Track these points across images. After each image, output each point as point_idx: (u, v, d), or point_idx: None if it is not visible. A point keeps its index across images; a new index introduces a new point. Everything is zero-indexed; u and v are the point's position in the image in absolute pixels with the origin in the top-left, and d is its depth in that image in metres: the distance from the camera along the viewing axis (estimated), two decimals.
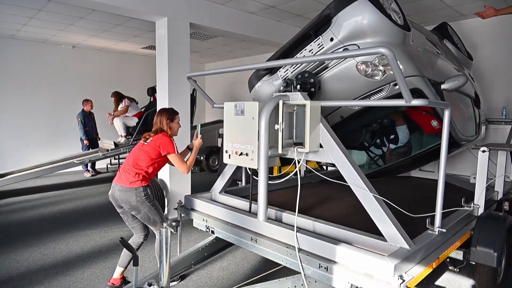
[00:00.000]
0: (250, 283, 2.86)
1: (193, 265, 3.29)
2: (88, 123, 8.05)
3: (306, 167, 4.25)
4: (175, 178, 5.16)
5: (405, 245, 2.07)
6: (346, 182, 2.35)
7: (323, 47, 2.87)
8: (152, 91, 7.79)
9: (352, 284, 2.01)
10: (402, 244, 2.08)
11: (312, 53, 2.93)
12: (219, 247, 3.44)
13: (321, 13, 2.89)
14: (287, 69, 3.10)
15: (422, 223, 2.41)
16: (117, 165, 8.23)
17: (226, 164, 3.03)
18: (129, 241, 3.00)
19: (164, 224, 2.39)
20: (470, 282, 3.33)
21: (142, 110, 7.80)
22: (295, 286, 2.40)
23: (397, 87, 2.70)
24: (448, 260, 2.72)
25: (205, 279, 3.40)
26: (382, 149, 4.41)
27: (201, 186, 4.96)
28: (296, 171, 2.43)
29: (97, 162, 8.33)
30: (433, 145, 3.75)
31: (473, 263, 2.71)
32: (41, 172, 6.79)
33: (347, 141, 3.29)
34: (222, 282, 3.34)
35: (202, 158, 8.70)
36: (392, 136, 4.24)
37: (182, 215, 3.29)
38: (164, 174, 5.22)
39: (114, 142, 7.36)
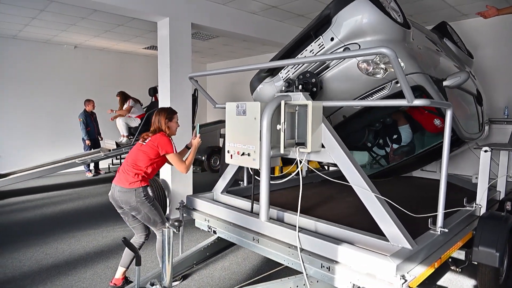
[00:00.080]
0: (252, 283, 2.86)
1: (195, 265, 3.30)
2: (90, 123, 8.06)
3: (308, 167, 4.25)
4: (177, 178, 5.16)
5: (407, 245, 2.07)
6: (348, 182, 2.35)
7: (324, 47, 2.87)
8: (153, 91, 7.78)
9: (354, 284, 2.01)
10: (404, 244, 2.08)
11: (313, 53, 2.93)
12: (221, 247, 3.45)
13: (321, 14, 2.90)
14: (288, 71, 3.10)
15: (424, 223, 2.41)
16: (119, 165, 8.23)
17: (227, 164, 3.04)
18: (130, 241, 3.01)
19: (167, 224, 2.39)
20: (472, 282, 3.33)
21: (145, 110, 7.81)
22: (297, 286, 2.40)
23: (399, 84, 2.71)
24: (450, 260, 2.72)
25: (207, 279, 3.41)
26: (385, 149, 4.41)
27: (202, 186, 4.96)
28: (298, 171, 2.44)
29: (99, 162, 8.35)
30: (437, 143, 3.74)
31: (475, 263, 2.71)
32: (43, 172, 6.81)
33: (350, 142, 3.29)
34: (224, 282, 3.34)
35: (203, 158, 8.71)
36: (395, 136, 4.24)
37: (184, 215, 3.29)
38: (166, 174, 5.23)
39: (116, 142, 7.37)
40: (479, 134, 3.96)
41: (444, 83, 3.07)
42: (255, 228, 2.62)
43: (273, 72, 3.27)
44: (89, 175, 8.36)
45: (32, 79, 8.23)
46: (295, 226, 2.33)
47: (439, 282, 3.35)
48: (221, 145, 9.16)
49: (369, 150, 4.45)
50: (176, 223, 2.52)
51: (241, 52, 9.26)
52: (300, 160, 2.42)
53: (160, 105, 5.14)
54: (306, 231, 2.36)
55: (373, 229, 2.24)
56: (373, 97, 2.96)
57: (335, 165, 2.51)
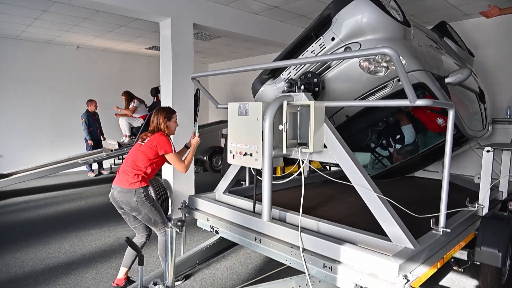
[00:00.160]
0: (254, 283, 2.86)
1: (197, 265, 3.30)
2: (92, 123, 8.08)
3: (310, 167, 4.26)
4: (179, 178, 5.17)
5: (409, 245, 2.07)
6: (350, 182, 2.35)
7: (325, 47, 2.88)
8: (155, 92, 7.80)
9: (356, 284, 2.01)
10: (407, 244, 2.08)
11: (314, 54, 2.94)
12: (223, 247, 3.46)
13: (321, 14, 2.90)
14: (290, 72, 3.11)
15: (426, 223, 2.40)
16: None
17: (229, 164, 3.04)
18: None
19: (169, 224, 2.40)
20: (474, 282, 3.32)
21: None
22: (299, 286, 2.40)
23: (401, 83, 2.72)
24: (452, 260, 2.71)
25: (209, 278, 3.41)
26: (389, 150, 4.40)
27: (204, 186, 4.97)
28: (300, 171, 2.44)
29: (103, 162, 8.38)
30: (440, 141, 3.73)
31: (478, 263, 2.71)
32: (46, 172, 6.83)
33: (353, 143, 3.28)
34: (226, 282, 3.35)
35: (205, 158, 8.72)
36: (398, 136, 4.23)
37: (186, 215, 3.30)
38: (168, 174, 5.24)
39: (118, 142, 7.39)
40: (483, 132, 3.94)
41: (446, 80, 3.06)
42: (257, 228, 2.63)
43: (274, 74, 3.28)
44: (91, 175, 8.38)
45: (34, 79, 8.26)
46: (297, 226, 2.34)
47: (442, 282, 3.34)
48: (223, 145, 9.17)
49: (372, 151, 4.44)
50: (179, 223, 2.52)
51: (243, 52, 9.27)
52: (302, 160, 2.43)
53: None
54: (308, 231, 2.36)
55: (375, 229, 2.24)
56: (376, 96, 2.95)
57: (337, 165, 2.50)
